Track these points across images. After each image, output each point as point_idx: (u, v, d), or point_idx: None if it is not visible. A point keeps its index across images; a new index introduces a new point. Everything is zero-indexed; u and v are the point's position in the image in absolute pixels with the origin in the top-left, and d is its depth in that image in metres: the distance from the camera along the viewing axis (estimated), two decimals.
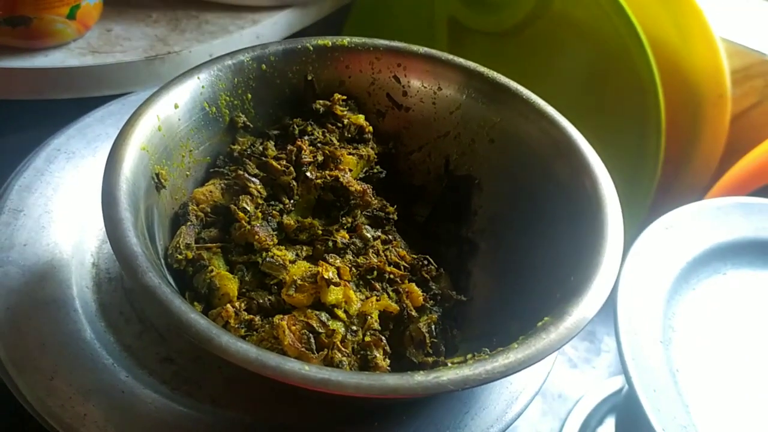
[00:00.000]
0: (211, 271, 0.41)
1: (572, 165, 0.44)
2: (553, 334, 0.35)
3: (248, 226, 0.42)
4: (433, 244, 0.49)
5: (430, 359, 0.41)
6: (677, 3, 0.68)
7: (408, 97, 0.50)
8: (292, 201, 0.45)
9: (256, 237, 0.42)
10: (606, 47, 0.66)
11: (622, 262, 0.50)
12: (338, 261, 0.42)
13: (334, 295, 0.40)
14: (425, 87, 0.50)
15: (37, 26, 0.59)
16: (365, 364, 0.39)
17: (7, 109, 0.61)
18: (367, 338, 0.40)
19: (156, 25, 0.68)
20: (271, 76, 0.48)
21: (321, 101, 0.49)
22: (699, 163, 0.72)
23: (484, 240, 0.48)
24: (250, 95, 0.47)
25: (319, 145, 0.47)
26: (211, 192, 0.44)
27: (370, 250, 0.44)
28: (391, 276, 0.43)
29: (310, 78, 0.49)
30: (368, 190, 0.46)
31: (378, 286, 0.43)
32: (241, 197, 0.43)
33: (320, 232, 0.44)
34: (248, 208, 0.43)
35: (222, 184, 0.44)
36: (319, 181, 0.45)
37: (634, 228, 0.55)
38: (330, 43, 0.49)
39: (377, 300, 0.42)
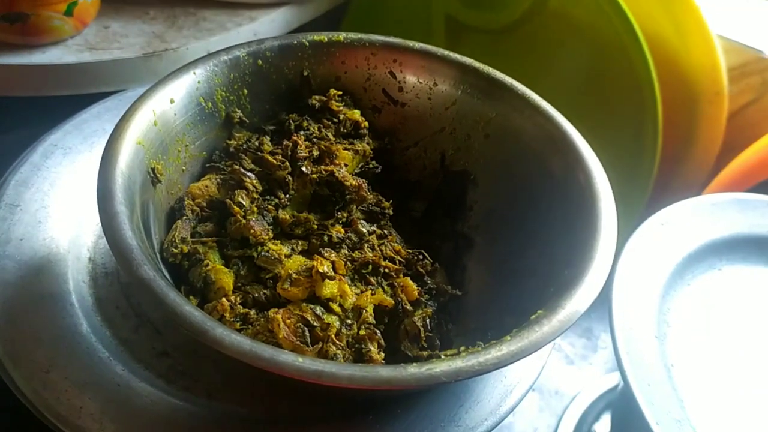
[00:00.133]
0: (207, 265, 0.41)
1: (567, 160, 0.44)
2: (546, 326, 0.35)
3: (244, 221, 0.42)
4: (429, 239, 0.49)
5: (424, 353, 0.41)
6: (674, 0, 0.68)
7: (404, 92, 0.51)
8: (287, 196, 0.45)
9: (252, 231, 0.42)
10: (603, 45, 0.66)
11: (618, 258, 0.50)
12: (333, 255, 0.43)
13: (329, 288, 0.40)
14: (421, 83, 0.50)
15: (35, 23, 0.59)
16: (360, 358, 0.39)
17: (4, 106, 0.61)
18: (362, 332, 0.40)
19: (153, 22, 0.68)
20: (267, 72, 0.48)
21: (317, 97, 0.49)
22: (696, 160, 0.72)
23: (480, 235, 0.48)
24: (246, 90, 0.47)
25: (314, 140, 0.47)
26: (206, 187, 0.44)
27: (366, 245, 0.44)
28: (386, 270, 0.44)
29: (306, 73, 0.49)
30: (364, 185, 0.46)
31: (373, 281, 0.43)
32: (236, 192, 0.43)
33: (315, 226, 0.44)
34: (244, 203, 0.43)
35: (218, 179, 0.45)
36: (314, 176, 0.45)
37: (631, 225, 0.55)
38: (326, 39, 0.49)
39: (372, 294, 0.42)
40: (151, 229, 0.40)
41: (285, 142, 0.46)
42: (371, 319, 0.41)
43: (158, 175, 0.41)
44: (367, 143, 0.49)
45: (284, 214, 0.44)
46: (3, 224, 0.46)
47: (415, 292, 0.43)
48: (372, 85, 0.51)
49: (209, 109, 0.46)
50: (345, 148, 0.48)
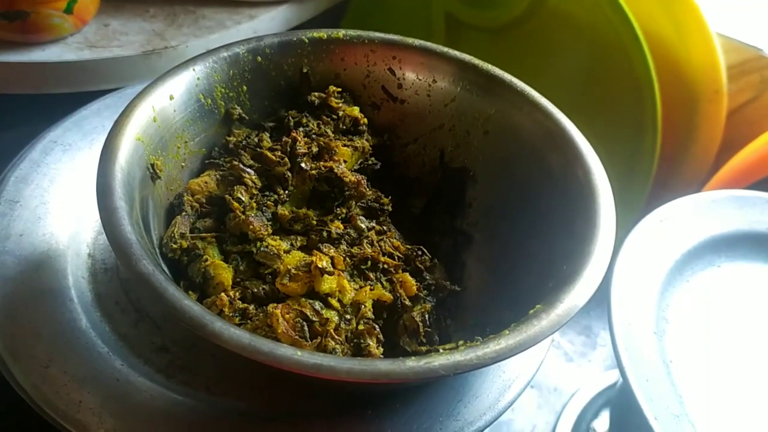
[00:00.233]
0: (206, 260, 0.41)
1: (566, 156, 0.44)
2: (544, 321, 0.35)
3: (243, 216, 0.42)
4: (428, 235, 0.49)
5: (423, 348, 0.41)
6: None
7: (403, 89, 0.51)
8: (286, 192, 0.45)
9: (251, 227, 0.42)
10: (602, 43, 0.67)
11: (617, 255, 0.50)
12: (332, 251, 0.43)
13: (327, 284, 0.40)
14: (420, 79, 0.50)
15: (35, 20, 0.59)
16: (359, 353, 0.39)
17: (4, 103, 0.61)
18: (361, 327, 0.40)
19: (153, 20, 0.68)
20: (267, 69, 0.48)
21: (316, 93, 0.49)
22: (695, 158, 0.72)
23: (479, 231, 0.49)
24: (245, 87, 0.48)
25: (314, 136, 0.47)
26: (206, 183, 0.44)
27: (365, 241, 0.44)
28: (385, 266, 0.44)
29: (305, 70, 0.49)
30: (363, 182, 0.46)
31: (372, 276, 0.43)
32: (236, 188, 0.43)
33: (314, 222, 0.44)
34: (243, 199, 0.43)
35: (217, 175, 0.45)
36: (313, 172, 0.45)
37: (630, 221, 0.55)
38: (325, 36, 0.49)
39: (371, 289, 0.42)
40: (150, 224, 0.40)
41: (284, 139, 0.46)
42: (370, 315, 0.41)
43: (157, 171, 0.41)
44: (367, 140, 0.50)
45: (283, 210, 0.44)
46: (3, 220, 0.46)
47: (414, 288, 0.43)
48: (371, 81, 0.51)
49: (209, 106, 0.46)
50: (344, 145, 0.48)
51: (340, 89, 0.50)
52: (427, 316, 0.43)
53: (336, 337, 0.38)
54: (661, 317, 0.49)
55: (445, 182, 0.51)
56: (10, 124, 0.63)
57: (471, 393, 0.41)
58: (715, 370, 0.47)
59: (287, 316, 0.38)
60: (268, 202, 0.44)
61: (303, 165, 0.45)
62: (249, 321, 0.39)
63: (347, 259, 0.43)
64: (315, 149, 0.46)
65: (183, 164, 0.45)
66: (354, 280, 0.42)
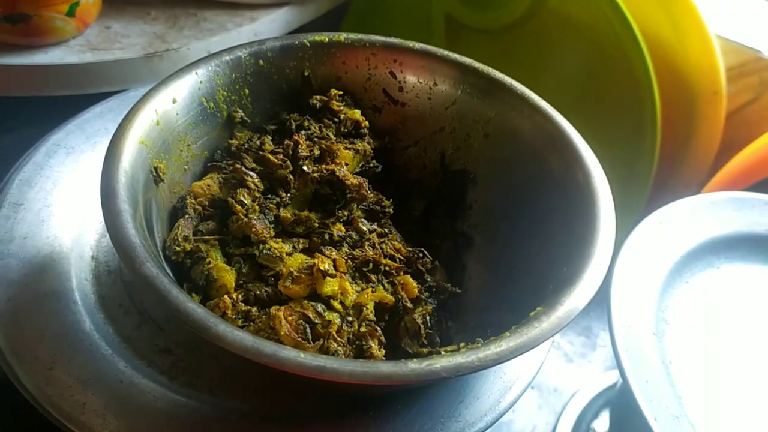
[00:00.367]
0: (209, 263, 0.41)
1: (566, 159, 0.45)
2: (545, 323, 0.35)
3: (245, 219, 0.42)
4: (429, 237, 0.50)
5: (425, 350, 0.42)
6: (672, 0, 0.69)
7: (404, 92, 0.51)
8: (288, 194, 0.45)
9: (254, 229, 0.42)
10: (602, 44, 0.67)
11: (617, 256, 0.50)
12: (334, 253, 0.43)
13: (330, 286, 0.40)
14: (421, 82, 0.50)
15: (37, 23, 0.59)
16: (361, 354, 0.39)
17: (6, 106, 0.61)
18: (363, 329, 0.40)
19: (155, 22, 0.68)
20: (269, 72, 0.48)
21: (318, 97, 0.50)
22: (694, 159, 0.72)
23: (479, 233, 0.49)
24: (247, 90, 0.48)
25: (315, 139, 0.48)
26: (208, 186, 0.44)
27: (366, 243, 0.45)
28: (387, 268, 0.44)
29: (307, 74, 0.50)
30: (364, 184, 0.46)
31: (374, 278, 0.43)
32: (238, 191, 0.44)
33: (316, 225, 0.44)
34: (245, 202, 0.43)
35: (220, 178, 0.45)
36: (315, 174, 0.46)
37: (630, 223, 0.55)
38: (327, 39, 0.49)
39: (373, 291, 0.42)
40: (153, 227, 0.41)
41: (286, 142, 0.47)
42: (372, 317, 0.41)
43: (161, 174, 0.42)
44: (368, 142, 0.50)
45: (285, 213, 0.44)
46: (7, 223, 0.46)
47: (416, 290, 0.44)
48: (372, 85, 0.51)
49: (211, 109, 0.46)
50: (346, 148, 0.48)
51: (341, 92, 0.50)
52: (428, 317, 0.43)
53: (338, 339, 0.39)
54: (661, 318, 0.49)
55: (446, 185, 0.51)
56: (12, 127, 0.63)
57: (472, 394, 0.42)
58: (714, 371, 0.48)
59: (290, 318, 0.39)
60: (271, 205, 0.44)
61: (305, 168, 0.46)
62: (252, 323, 0.39)
63: (349, 261, 0.43)
64: (317, 152, 0.47)
65: (186, 167, 0.45)
66: (356, 283, 0.43)
